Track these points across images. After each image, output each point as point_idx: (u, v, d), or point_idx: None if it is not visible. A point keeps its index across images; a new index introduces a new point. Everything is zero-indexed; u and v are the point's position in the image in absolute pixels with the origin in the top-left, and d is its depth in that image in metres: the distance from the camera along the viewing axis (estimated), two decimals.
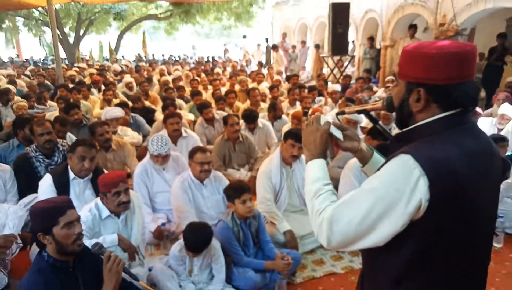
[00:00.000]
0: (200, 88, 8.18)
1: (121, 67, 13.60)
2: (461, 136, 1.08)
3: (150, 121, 5.83)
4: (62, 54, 17.94)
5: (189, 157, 3.27)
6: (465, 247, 1.09)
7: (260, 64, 12.89)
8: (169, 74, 10.79)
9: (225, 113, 5.34)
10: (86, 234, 2.32)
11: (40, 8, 17.30)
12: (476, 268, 1.16)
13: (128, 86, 7.94)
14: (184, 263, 2.63)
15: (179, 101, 6.66)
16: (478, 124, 1.17)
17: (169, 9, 19.27)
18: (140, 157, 4.29)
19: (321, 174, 1.25)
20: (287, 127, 4.87)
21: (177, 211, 3.19)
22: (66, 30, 20.02)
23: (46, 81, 9.83)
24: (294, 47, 14.07)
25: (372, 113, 1.47)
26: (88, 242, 2.17)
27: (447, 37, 7.69)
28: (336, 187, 1.67)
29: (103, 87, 7.98)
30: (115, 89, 7.66)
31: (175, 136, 4.39)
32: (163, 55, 21.78)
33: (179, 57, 20.84)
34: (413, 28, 8.82)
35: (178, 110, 5.49)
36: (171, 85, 8.18)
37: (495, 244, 3.24)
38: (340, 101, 6.37)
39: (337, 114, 1.52)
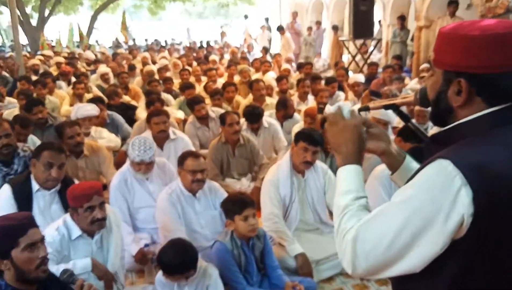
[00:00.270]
0: (192, 79, 8.20)
1: (95, 55, 13.68)
2: None
3: (131, 120, 5.84)
4: (23, 39, 18.06)
5: (178, 164, 3.27)
6: None
7: (265, 50, 12.93)
8: (154, 63, 10.83)
9: (222, 110, 5.35)
10: (52, 258, 2.33)
11: None
12: None
13: (104, 77, 7.96)
14: None
15: (166, 96, 6.68)
16: None
17: None
18: (118, 165, 4.30)
19: (354, 185, 1.24)
20: (298, 127, 4.88)
21: (164, 230, 3.19)
22: (28, 10, 20.17)
23: (4, 73, 9.89)
24: (310, 29, 14.13)
25: (403, 108, 1.48)
26: (55, 268, 2.18)
27: (495, 16, 7.69)
28: None
29: (73, 79, 8.01)
30: (88, 81, 7.69)
31: (161, 139, 4.40)
32: (146, 40, 21.91)
33: (165, 42, 20.95)
34: (453, 4, 8.82)
35: (165, 107, 5.50)
36: (156, 76, 8.19)
37: None
38: (363, 95, 6.37)
39: (360, 110, 1.52)
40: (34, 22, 19.72)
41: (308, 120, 4.82)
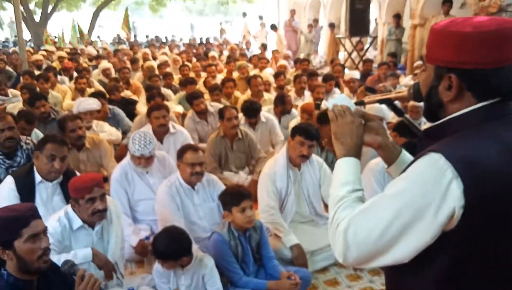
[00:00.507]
0: (192, 75, 8.19)
1: (97, 51, 13.63)
2: (502, 130, 1.08)
3: (131, 114, 5.84)
4: (27, 35, 17.97)
5: (177, 157, 3.27)
6: (506, 259, 1.09)
7: (263, 46, 12.91)
8: (154, 58, 10.81)
9: (221, 105, 5.34)
10: (54, 248, 2.33)
11: None
12: None
13: (105, 73, 7.94)
14: (168, 282, 2.64)
15: (166, 91, 6.67)
16: None
17: None
18: (118, 158, 4.30)
19: (352, 177, 1.26)
20: (295, 122, 4.88)
21: (163, 222, 3.19)
22: (31, 6, 20.07)
23: (8, 67, 9.87)
24: (310, 26, 14.12)
25: (397, 103, 1.48)
26: (56, 258, 2.18)
27: (488, 14, 7.68)
28: None
29: (75, 74, 7.99)
30: (90, 76, 7.66)
31: (161, 133, 4.40)
32: (147, 36, 21.84)
33: (166, 38, 20.87)
34: (448, 3, 8.80)
35: (165, 102, 5.50)
36: (156, 71, 8.19)
37: None
38: (358, 91, 6.37)
39: (355, 104, 1.52)
40: (37, 18, 19.63)
41: (305, 116, 4.81)
